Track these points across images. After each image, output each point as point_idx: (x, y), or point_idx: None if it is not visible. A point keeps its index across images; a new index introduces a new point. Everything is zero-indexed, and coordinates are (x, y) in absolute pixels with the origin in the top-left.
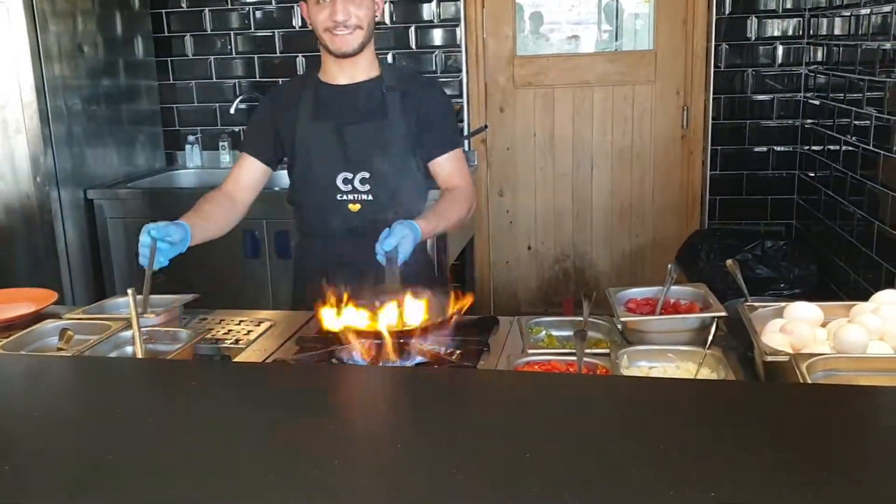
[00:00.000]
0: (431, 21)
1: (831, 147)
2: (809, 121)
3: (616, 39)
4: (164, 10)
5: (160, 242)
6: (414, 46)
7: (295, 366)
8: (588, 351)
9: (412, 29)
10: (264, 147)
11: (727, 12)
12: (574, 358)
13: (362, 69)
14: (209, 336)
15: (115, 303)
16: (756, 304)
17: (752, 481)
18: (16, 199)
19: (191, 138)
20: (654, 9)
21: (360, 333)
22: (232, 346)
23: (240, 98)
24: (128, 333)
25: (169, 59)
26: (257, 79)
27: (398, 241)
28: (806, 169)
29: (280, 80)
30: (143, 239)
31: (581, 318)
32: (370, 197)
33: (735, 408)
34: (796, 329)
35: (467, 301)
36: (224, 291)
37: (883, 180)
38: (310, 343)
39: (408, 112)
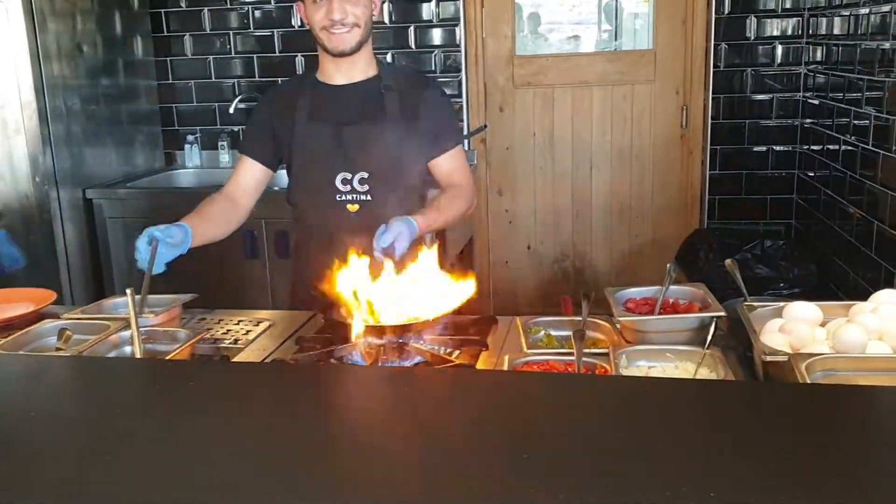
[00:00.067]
0: (431, 21)
1: (830, 147)
2: (809, 120)
3: (616, 39)
4: (163, 10)
5: (161, 244)
6: (413, 46)
7: (294, 365)
8: (587, 351)
9: (411, 28)
10: (263, 149)
11: (726, 12)
12: (573, 358)
13: (360, 69)
14: (208, 336)
15: (114, 303)
16: (755, 303)
17: (751, 481)
18: (15, 199)
19: (190, 138)
20: (654, 8)
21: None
22: (231, 345)
23: (239, 98)
24: (126, 333)
25: (168, 58)
26: (256, 78)
27: (395, 236)
28: (805, 168)
29: (279, 79)
30: (141, 244)
31: (580, 318)
32: (369, 197)
33: (734, 408)
34: (795, 329)
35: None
36: (223, 291)
37: (882, 180)
38: (309, 343)
39: (406, 111)
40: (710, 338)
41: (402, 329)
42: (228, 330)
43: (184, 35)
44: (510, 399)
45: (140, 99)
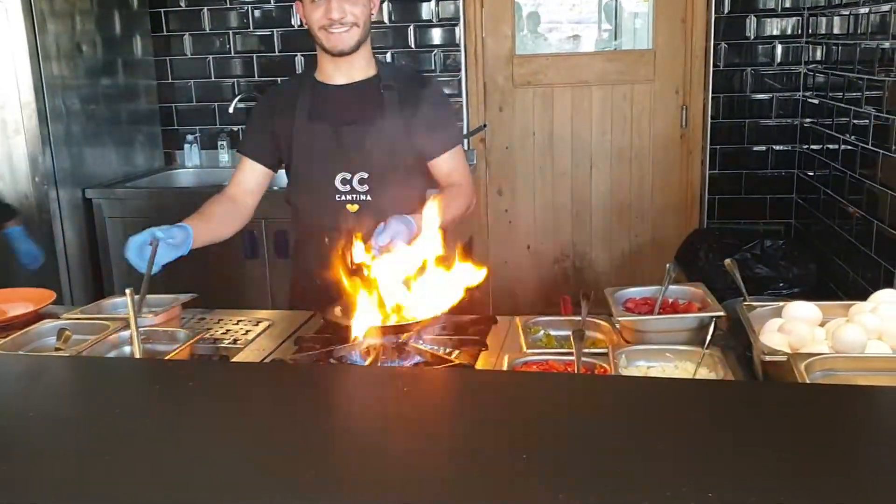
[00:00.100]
0: (430, 20)
1: (830, 146)
2: (808, 120)
3: (615, 39)
4: (162, 10)
5: (161, 244)
6: (413, 45)
7: (293, 365)
8: (586, 350)
9: (411, 28)
10: (262, 149)
11: (726, 11)
12: (572, 358)
13: (359, 68)
14: (207, 336)
15: (114, 303)
16: (755, 303)
17: (751, 481)
18: (14, 199)
19: (189, 137)
20: (654, 8)
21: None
22: (230, 345)
23: (238, 97)
24: (126, 333)
25: (168, 58)
26: (256, 78)
27: (392, 236)
28: (805, 168)
29: (279, 79)
30: (133, 244)
31: (579, 318)
32: (368, 197)
33: (733, 408)
34: (795, 329)
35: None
36: (223, 291)
37: (882, 179)
38: (308, 343)
39: (406, 111)
40: (709, 338)
41: (402, 329)
42: (228, 330)
43: (183, 35)
44: (510, 399)
45: (139, 99)
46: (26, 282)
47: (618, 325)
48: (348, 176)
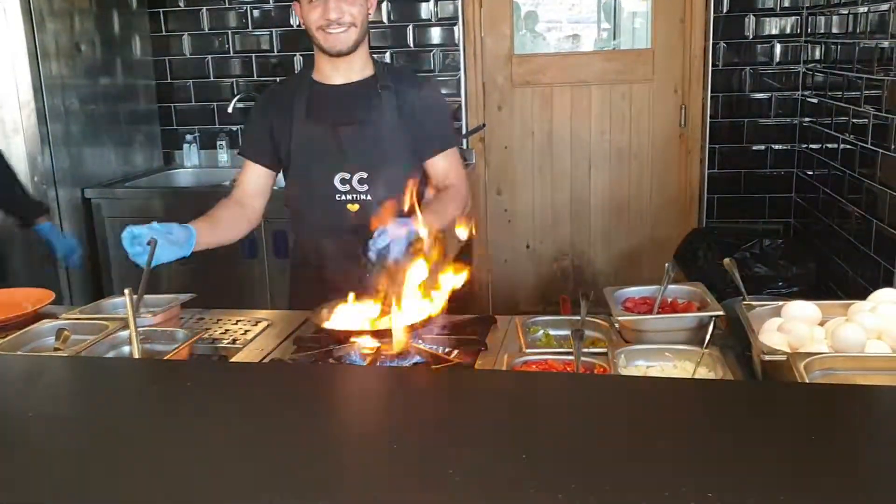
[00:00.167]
0: (429, 20)
1: (829, 145)
2: (807, 119)
3: (614, 38)
4: (161, 10)
5: (160, 239)
6: (412, 45)
7: (292, 365)
8: (585, 350)
9: (410, 28)
10: (263, 151)
11: (725, 11)
12: (572, 357)
13: (357, 68)
14: (206, 336)
15: (112, 303)
16: (754, 302)
17: (750, 481)
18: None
19: (188, 137)
20: (653, 7)
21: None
22: (229, 345)
23: (237, 97)
24: (125, 333)
25: (167, 58)
26: (255, 78)
27: (391, 240)
28: (804, 167)
29: (278, 79)
30: (127, 235)
31: (579, 318)
32: (368, 197)
33: (732, 407)
34: (794, 328)
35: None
36: (222, 291)
37: (881, 178)
38: (307, 343)
39: (403, 111)
40: (708, 337)
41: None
42: (227, 330)
43: (182, 35)
44: (509, 399)
45: (138, 98)
46: (26, 282)
47: (617, 325)
48: (347, 176)
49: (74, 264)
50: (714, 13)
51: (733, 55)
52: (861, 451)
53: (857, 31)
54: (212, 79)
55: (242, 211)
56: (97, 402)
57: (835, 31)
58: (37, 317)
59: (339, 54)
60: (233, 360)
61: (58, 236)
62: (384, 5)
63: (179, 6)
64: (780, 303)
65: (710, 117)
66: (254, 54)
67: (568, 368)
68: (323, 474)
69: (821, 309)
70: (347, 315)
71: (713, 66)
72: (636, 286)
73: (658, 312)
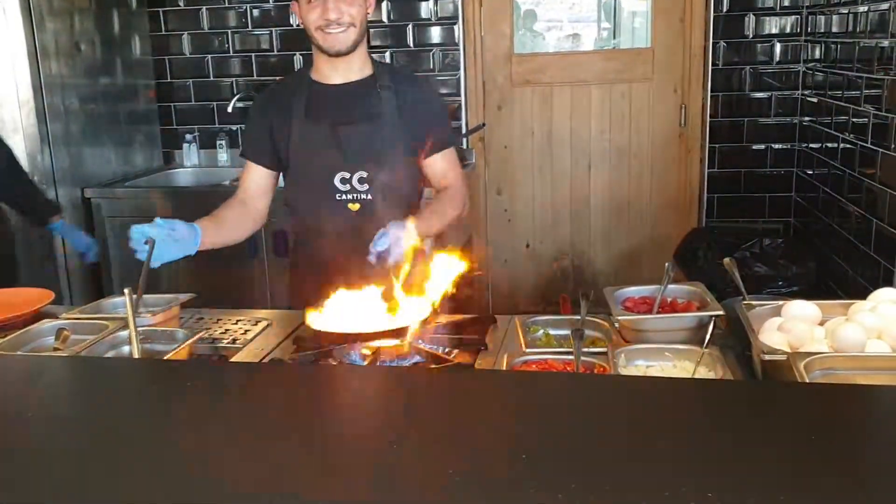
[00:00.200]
0: (429, 19)
1: (829, 144)
2: (807, 118)
3: (614, 37)
4: (161, 9)
5: (161, 234)
6: (412, 44)
7: (292, 365)
8: (585, 350)
9: (410, 27)
10: (263, 151)
11: (725, 10)
12: (571, 357)
13: (356, 68)
14: (206, 336)
15: (112, 302)
16: (754, 302)
17: (750, 481)
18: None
19: (188, 137)
20: (652, 6)
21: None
22: (229, 345)
23: (237, 97)
24: (125, 333)
25: (166, 57)
26: (254, 77)
27: (391, 242)
28: (804, 166)
29: (278, 78)
30: (136, 232)
31: (578, 317)
32: (369, 196)
33: (732, 407)
34: (794, 328)
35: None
36: (222, 291)
37: (881, 178)
38: (307, 342)
39: (402, 111)
40: (708, 337)
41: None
42: (227, 329)
43: (182, 34)
44: (509, 399)
45: (138, 98)
46: (25, 282)
47: (617, 325)
48: (347, 175)
49: (91, 260)
50: (714, 12)
51: (733, 54)
52: (861, 451)
53: (857, 30)
54: (211, 78)
55: (247, 211)
56: (97, 402)
57: (835, 30)
58: (37, 317)
59: (339, 54)
60: (233, 360)
61: (73, 234)
62: (384, 4)
63: (179, 6)
64: (780, 302)
65: (710, 116)
66: (253, 54)
67: (568, 368)
68: (323, 474)
69: (821, 308)
70: (345, 312)
71: (713, 65)
72: (636, 286)
73: (658, 312)
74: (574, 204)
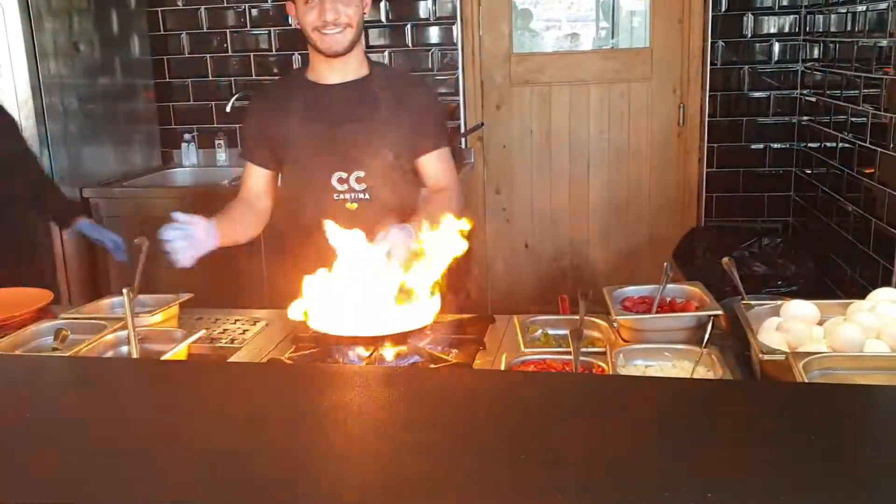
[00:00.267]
0: (427, 19)
1: (828, 144)
2: (806, 118)
3: (613, 37)
4: (160, 9)
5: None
6: (410, 44)
7: (290, 365)
8: (584, 350)
9: (408, 27)
10: (262, 152)
11: (723, 9)
12: (570, 357)
13: (352, 68)
14: (204, 336)
15: (111, 302)
16: (752, 302)
17: (749, 481)
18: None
19: (187, 136)
20: (651, 6)
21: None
22: (227, 345)
23: (236, 96)
24: (123, 333)
25: (165, 57)
26: (253, 77)
27: (391, 245)
28: (802, 166)
29: (277, 78)
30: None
31: (577, 317)
32: (367, 196)
33: (732, 407)
34: (793, 327)
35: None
36: (220, 291)
37: (880, 177)
38: (305, 342)
39: (398, 111)
40: (707, 336)
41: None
42: (225, 329)
43: (181, 34)
44: (507, 399)
45: (137, 98)
46: (25, 282)
47: (616, 324)
48: (344, 175)
49: (121, 258)
50: (712, 12)
51: (732, 54)
52: (860, 451)
53: (856, 29)
54: (210, 78)
55: (253, 210)
56: (95, 402)
57: (833, 29)
58: (35, 317)
59: (336, 55)
60: (231, 359)
61: (100, 233)
62: (382, 4)
63: (178, 5)
64: (779, 302)
65: (709, 116)
66: (252, 53)
67: (567, 368)
68: (321, 474)
69: (819, 308)
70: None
71: (712, 64)
72: (635, 285)
73: (657, 312)
74: (573, 203)
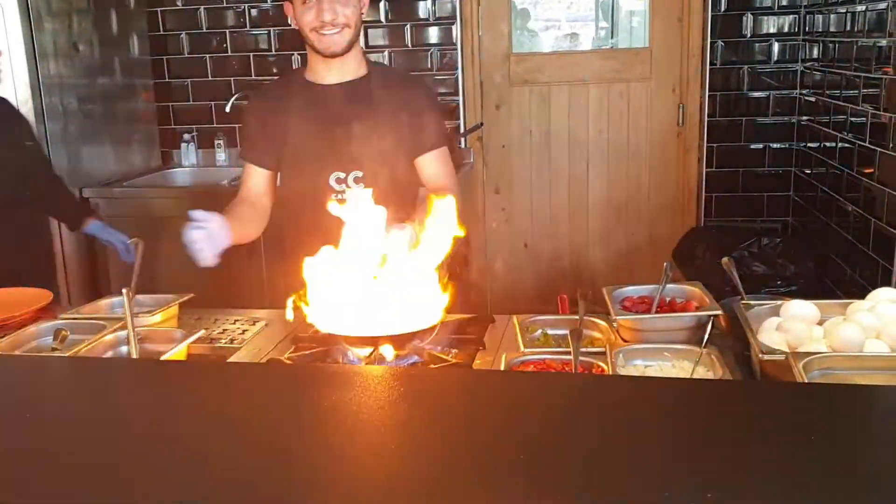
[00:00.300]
0: (427, 19)
1: (827, 144)
2: (805, 117)
3: (612, 37)
4: (159, 9)
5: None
6: (409, 44)
7: (290, 365)
8: (584, 350)
9: (408, 27)
10: (261, 152)
11: (723, 9)
12: (570, 357)
13: (350, 69)
14: (204, 336)
15: (111, 303)
16: (752, 301)
17: (749, 481)
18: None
19: (186, 136)
20: (650, 6)
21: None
22: (227, 345)
23: (235, 96)
24: (123, 333)
25: (164, 57)
26: (252, 77)
27: (392, 245)
28: (802, 166)
29: (276, 78)
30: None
31: (577, 317)
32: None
33: (731, 407)
34: (793, 327)
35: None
36: (219, 291)
37: (879, 177)
38: (305, 342)
39: (396, 111)
40: (706, 336)
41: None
42: (225, 329)
43: (180, 34)
44: (507, 399)
45: (137, 98)
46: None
47: (615, 324)
48: (343, 175)
49: (130, 259)
50: (712, 12)
51: (731, 54)
52: (860, 451)
53: (855, 29)
54: (210, 78)
55: (255, 209)
56: (94, 402)
57: (832, 29)
58: (35, 317)
59: (334, 55)
60: (231, 359)
61: (111, 234)
62: (382, 4)
63: (177, 5)
64: (779, 302)
65: (708, 116)
66: (252, 53)
67: (566, 368)
68: (321, 474)
69: (819, 308)
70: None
71: (711, 64)
72: (634, 285)
73: (656, 312)
74: (572, 203)
